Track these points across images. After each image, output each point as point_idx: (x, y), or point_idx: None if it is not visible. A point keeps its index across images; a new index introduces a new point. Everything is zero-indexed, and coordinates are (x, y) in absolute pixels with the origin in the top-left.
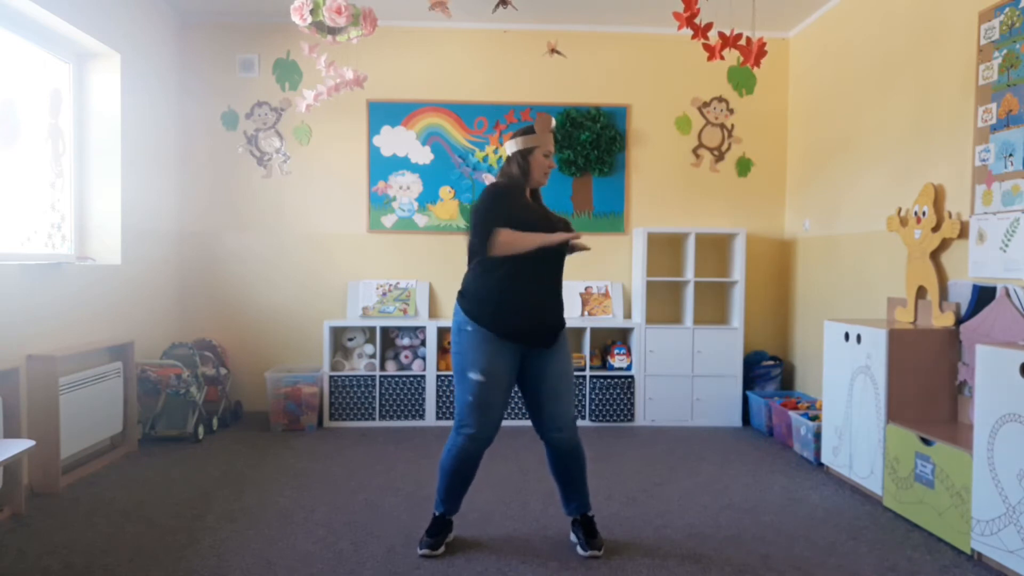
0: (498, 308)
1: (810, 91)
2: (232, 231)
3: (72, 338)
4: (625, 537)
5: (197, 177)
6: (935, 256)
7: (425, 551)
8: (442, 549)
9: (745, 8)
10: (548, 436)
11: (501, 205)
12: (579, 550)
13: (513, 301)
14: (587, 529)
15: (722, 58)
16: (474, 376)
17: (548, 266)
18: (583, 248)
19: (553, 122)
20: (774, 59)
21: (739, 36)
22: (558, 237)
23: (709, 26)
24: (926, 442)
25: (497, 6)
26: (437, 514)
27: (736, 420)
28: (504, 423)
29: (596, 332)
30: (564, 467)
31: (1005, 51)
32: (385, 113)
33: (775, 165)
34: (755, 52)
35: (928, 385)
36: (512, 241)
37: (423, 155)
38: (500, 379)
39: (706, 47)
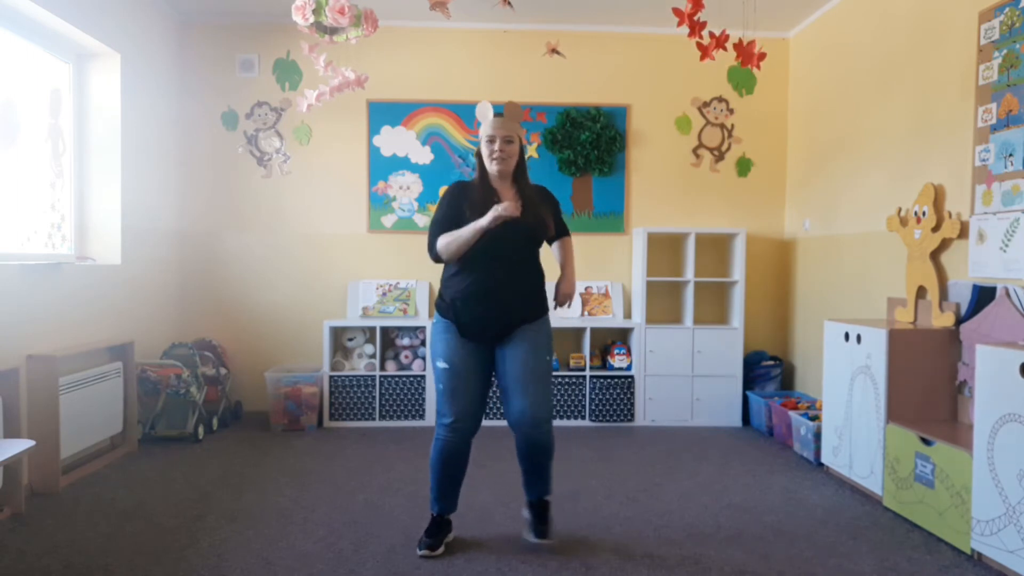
0: (452, 301)
1: (810, 91)
2: (232, 231)
3: (72, 338)
4: (625, 537)
5: (197, 177)
6: (935, 256)
7: (424, 552)
8: (441, 549)
9: (744, 8)
10: (514, 429)
11: (447, 205)
12: (530, 537)
13: (464, 295)
14: (539, 515)
15: (713, 58)
16: (440, 364)
17: (501, 258)
18: (510, 216)
19: (487, 107)
20: (774, 59)
21: (727, 37)
22: (484, 220)
23: (703, 24)
24: (926, 442)
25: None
26: (433, 514)
27: (736, 420)
28: (503, 423)
29: (596, 332)
30: (528, 459)
31: (1005, 51)
32: (385, 113)
33: (775, 165)
34: (756, 55)
35: (928, 385)
36: (449, 243)
37: (423, 155)
38: (465, 366)
39: (699, 46)
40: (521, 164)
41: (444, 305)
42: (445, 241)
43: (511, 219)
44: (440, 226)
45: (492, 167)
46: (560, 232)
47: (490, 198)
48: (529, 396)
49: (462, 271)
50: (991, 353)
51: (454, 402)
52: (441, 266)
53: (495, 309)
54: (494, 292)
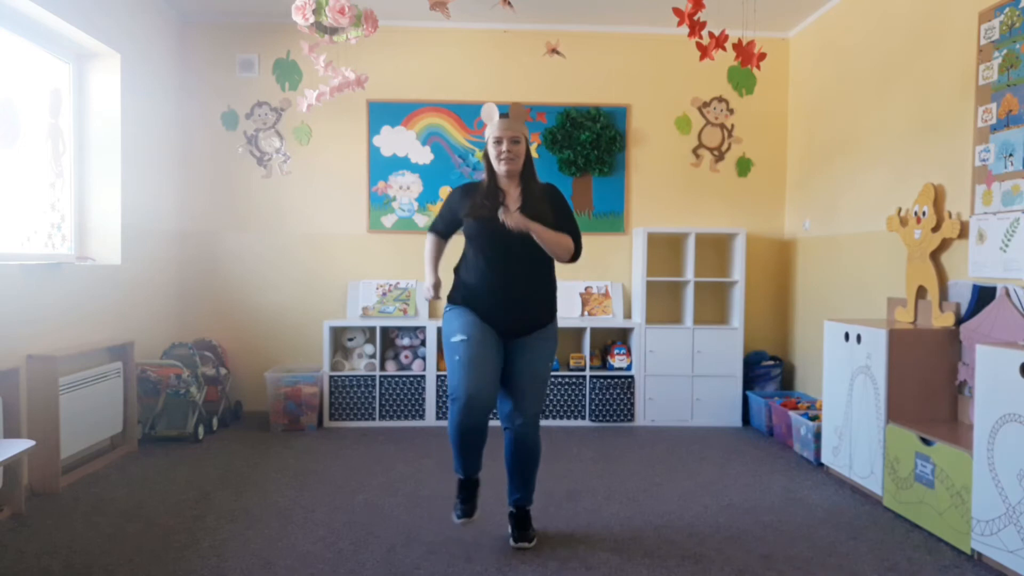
0: (467, 296)
1: (810, 91)
2: (232, 231)
3: (72, 338)
4: (625, 537)
5: (197, 177)
6: (935, 256)
7: (463, 520)
8: (477, 514)
9: (744, 8)
10: (507, 425)
11: (449, 202)
12: (510, 541)
13: (473, 288)
14: (521, 523)
15: (712, 58)
16: (457, 338)
17: (506, 254)
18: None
19: (493, 109)
20: (774, 59)
21: (726, 37)
22: (426, 286)
23: (703, 24)
24: (926, 442)
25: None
26: (460, 477)
27: (736, 420)
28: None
29: (596, 332)
30: (516, 459)
31: (1005, 51)
32: (385, 113)
33: (775, 165)
34: (755, 55)
35: (928, 385)
36: (425, 257)
37: (423, 155)
38: (483, 338)
39: (699, 46)
40: (529, 163)
41: (458, 295)
42: (426, 249)
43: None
44: (442, 219)
45: (500, 168)
46: (564, 230)
47: (495, 197)
48: (527, 399)
49: (471, 268)
50: (991, 353)
51: (468, 373)
52: (451, 263)
53: (504, 304)
54: (502, 288)
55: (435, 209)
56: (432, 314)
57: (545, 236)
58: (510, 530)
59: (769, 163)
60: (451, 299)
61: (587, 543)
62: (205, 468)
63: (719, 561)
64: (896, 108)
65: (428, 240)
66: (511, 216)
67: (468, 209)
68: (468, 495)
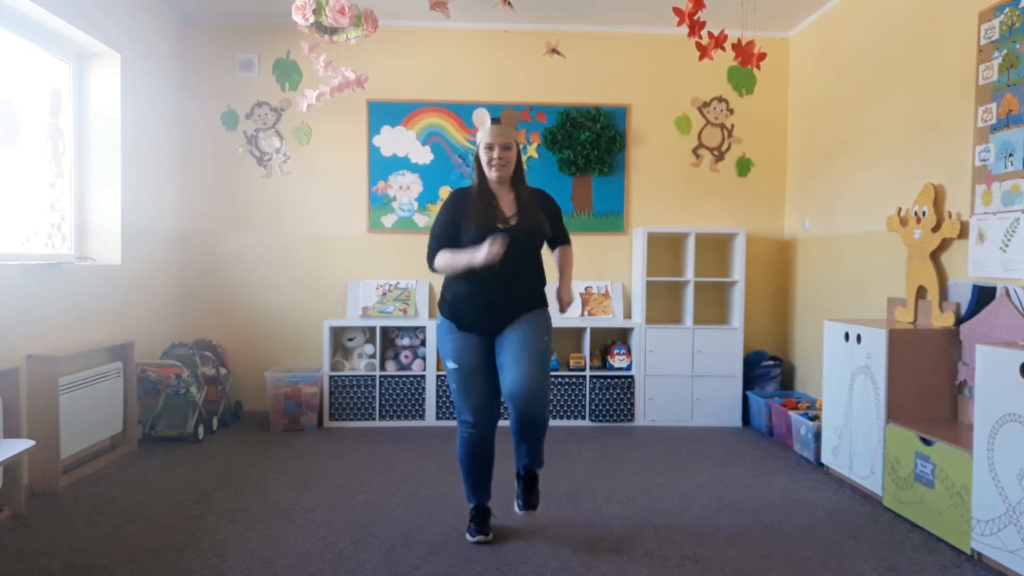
0: (452, 301)
1: (810, 91)
2: (232, 231)
3: (72, 338)
4: (625, 537)
5: (197, 177)
6: (935, 256)
7: (479, 539)
8: (491, 535)
9: (744, 8)
10: (509, 403)
11: (445, 215)
12: (515, 508)
13: (462, 293)
14: (528, 485)
15: (712, 58)
16: (450, 365)
17: (505, 260)
18: (497, 260)
19: (484, 115)
20: (774, 59)
21: (725, 37)
22: (478, 258)
23: (703, 24)
24: (926, 442)
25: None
26: (472, 505)
27: (736, 420)
28: (502, 423)
29: (596, 332)
30: (522, 432)
31: (1005, 51)
32: (385, 113)
33: (775, 165)
34: (755, 55)
35: (928, 385)
36: (445, 268)
37: (423, 155)
38: (472, 364)
39: (699, 46)
40: (519, 169)
41: (445, 305)
42: (442, 263)
43: (507, 227)
44: (439, 240)
45: (491, 174)
46: (560, 240)
47: (489, 204)
48: (524, 370)
49: (462, 275)
50: (991, 353)
51: (468, 399)
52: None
53: (494, 309)
54: (493, 295)
55: (435, 209)
56: (432, 314)
57: (571, 273)
58: (517, 496)
59: (769, 163)
60: (440, 310)
61: (587, 543)
62: (205, 468)
63: (719, 561)
64: (896, 108)
65: (439, 258)
66: (567, 297)
67: (468, 217)
68: (482, 520)
